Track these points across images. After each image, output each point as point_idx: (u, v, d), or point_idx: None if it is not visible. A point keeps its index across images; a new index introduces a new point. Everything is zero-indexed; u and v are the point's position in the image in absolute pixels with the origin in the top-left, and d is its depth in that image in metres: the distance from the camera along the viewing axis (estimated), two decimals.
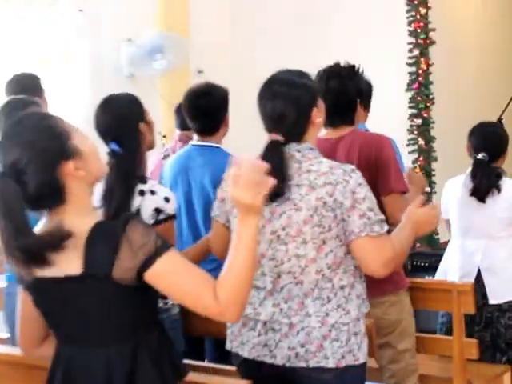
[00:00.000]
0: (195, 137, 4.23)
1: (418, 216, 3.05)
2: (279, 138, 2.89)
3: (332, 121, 3.75)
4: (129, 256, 2.26)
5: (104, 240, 2.30)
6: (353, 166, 2.93)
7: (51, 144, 2.32)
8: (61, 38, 7.06)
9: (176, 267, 2.33)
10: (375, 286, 3.56)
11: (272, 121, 2.98)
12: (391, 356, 3.92)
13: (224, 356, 3.75)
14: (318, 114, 3.02)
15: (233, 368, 3.17)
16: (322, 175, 2.86)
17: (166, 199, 3.28)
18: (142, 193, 3.21)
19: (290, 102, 2.94)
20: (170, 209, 3.30)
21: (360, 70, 3.97)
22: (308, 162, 2.91)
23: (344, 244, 2.90)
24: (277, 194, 2.80)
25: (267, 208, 2.86)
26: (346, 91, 3.82)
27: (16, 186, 2.26)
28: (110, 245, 2.28)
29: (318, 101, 3.03)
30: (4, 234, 2.27)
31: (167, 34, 7.35)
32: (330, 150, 3.68)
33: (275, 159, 2.80)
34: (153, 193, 3.25)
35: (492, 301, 4.44)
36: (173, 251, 2.34)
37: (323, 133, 3.76)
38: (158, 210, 3.26)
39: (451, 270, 4.66)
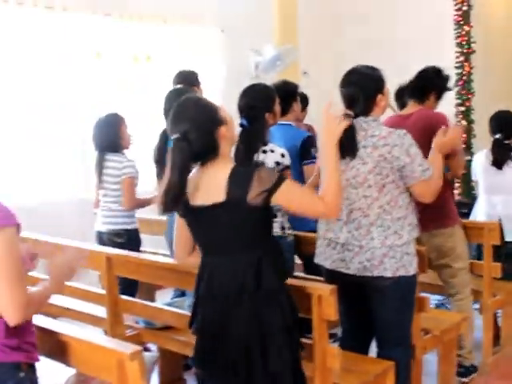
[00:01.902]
0: None
1: (441, 141, 3.19)
2: (351, 112, 2.90)
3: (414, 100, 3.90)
4: (258, 186, 2.31)
5: (241, 176, 2.34)
6: (404, 131, 2.93)
7: (209, 116, 2.39)
8: (206, 50, 7.10)
9: (294, 188, 2.41)
10: (437, 221, 3.77)
11: (347, 101, 2.99)
12: (450, 273, 3.92)
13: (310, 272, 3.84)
14: (383, 98, 2.99)
15: (320, 278, 3.21)
16: (382, 138, 2.87)
17: (282, 155, 3.36)
18: (264, 151, 3.28)
19: (360, 88, 2.93)
20: (286, 161, 3.39)
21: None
22: (372, 130, 2.91)
23: (398, 186, 2.91)
24: (349, 152, 2.88)
25: (343, 162, 2.89)
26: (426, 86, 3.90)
27: (187, 146, 2.33)
28: (245, 179, 2.32)
29: (383, 88, 2.99)
30: (173, 180, 2.34)
31: (283, 46, 7.31)
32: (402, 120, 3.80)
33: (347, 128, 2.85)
34: (272, 151, 3.33)
35: (507, 239, 4.33)
36: (289, 180, 2.42)
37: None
38: (277, 163, 3.35)
39: (479, 217, 4.61)
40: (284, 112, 4.17)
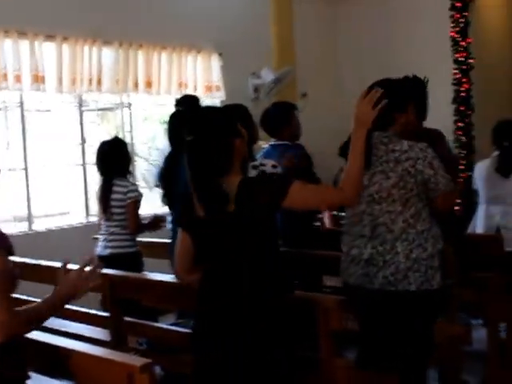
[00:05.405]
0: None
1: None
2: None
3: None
4: (263, 194, 2.40)
5: (249, 187, 2.44)
6: (426, 144, 2.95)
7: (228, 124, 2.50)
8: (206, 73, 7.25)
9: (305, 187, 2.50)
10: None
11: None
12: None
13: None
14: (403, 116, 3.03)
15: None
16: (404, 153, 2.91)
17: (274, 166, 3.38)
18: (254, 167, 3.33)
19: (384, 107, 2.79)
20: (279, 171, 3.40)
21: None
22: (392, 144, 2.96)
23: (422, 200, 2.94)
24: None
25: (365, 177, 2.91)
26: None
27: (202, 148, 2.44)
28: (253, 189, 2.42)
29: (405, 106, 3.01)
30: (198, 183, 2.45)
31: (280, 69, 7.46)
32: None
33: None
34: (263, 165, 3.36)
35: (507, 248, 4.32)
36: (296, 181, 2.46)
37: None
38: None
39: (479, 226, 4.67)
40: (277, 132, 4.31)
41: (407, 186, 2.89)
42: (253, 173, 3.32)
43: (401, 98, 3.05)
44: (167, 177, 3.98)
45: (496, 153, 4.61)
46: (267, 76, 7.45)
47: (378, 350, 3.11)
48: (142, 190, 4.76)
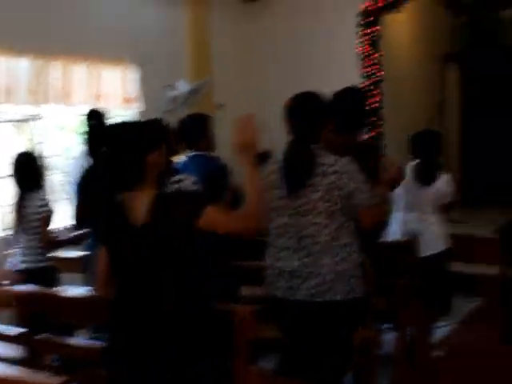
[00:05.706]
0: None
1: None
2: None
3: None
4: (179, 210, 2.41)
5: (164, 203, 2.45)
6: (350, 158, 3.02)
7: (141, 138, 2.49)
8: (123, 84, 7.19)
9: (216, 214, 2.47)
10: None
11: (294, 130, 3.08)
12: None
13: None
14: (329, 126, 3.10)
15: None
16: (330, 166, 2.96)
17: (194, 182, 3.41)
18: (174, 182, 3.34)
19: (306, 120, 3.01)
20: (198, 188, 3.41)
21: None
22: (321, 158, 3.01)
23: (345, 214, 2.99)
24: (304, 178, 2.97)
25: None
26: None
27: (113, 162, 2.44)
28: (168, 205, 2.44)
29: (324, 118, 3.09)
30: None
31: (196, 81, 7.50)
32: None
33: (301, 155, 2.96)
34: (181, 181, 3.36)
35: (422, 254, 4.52)
36: (210, 206, 2.46)
37: None
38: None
39: (395, 233, 4.80)
40: (194, 143, 4.30)
41: (332, 199, 2.95)
42: (172, 187, 3.32)
43: (321, 110, 3.11)
44: (85, 190, 3.96)
45: (415, 161, 4.76)
46: (183, 87, 7.45)
47: (302, 360, 3.13)
48: (60, 202, 4.71)
